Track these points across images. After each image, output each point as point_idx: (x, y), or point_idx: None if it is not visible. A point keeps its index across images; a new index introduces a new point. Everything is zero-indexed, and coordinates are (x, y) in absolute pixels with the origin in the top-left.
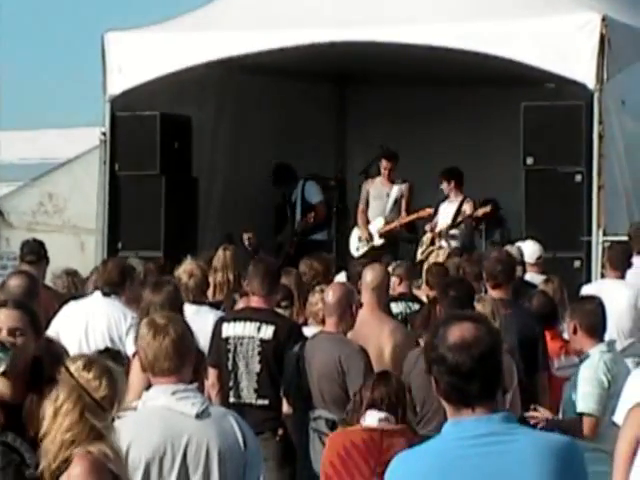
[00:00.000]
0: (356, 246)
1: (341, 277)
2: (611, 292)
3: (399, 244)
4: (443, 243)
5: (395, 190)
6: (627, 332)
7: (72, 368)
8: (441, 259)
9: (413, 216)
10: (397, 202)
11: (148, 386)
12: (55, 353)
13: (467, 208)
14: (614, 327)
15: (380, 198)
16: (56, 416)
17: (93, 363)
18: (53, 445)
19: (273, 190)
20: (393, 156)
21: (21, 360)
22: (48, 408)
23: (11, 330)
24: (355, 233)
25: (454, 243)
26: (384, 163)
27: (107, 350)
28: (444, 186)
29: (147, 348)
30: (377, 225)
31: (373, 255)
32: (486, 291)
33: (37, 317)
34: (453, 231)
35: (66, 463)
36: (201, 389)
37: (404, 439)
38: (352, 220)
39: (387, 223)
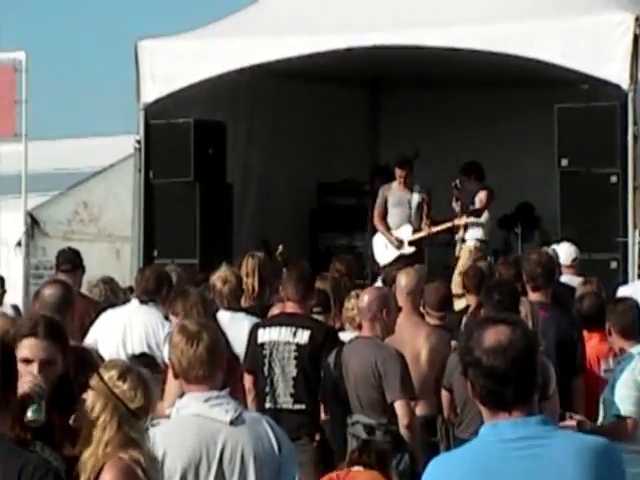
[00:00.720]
0: (382, 254)
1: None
2: None
3: (424, 250)
4: (466, 236)
5: (416, 197)
6: None
7: (106, 377)
8: (464, 254)
9: (442, 227)
10: (419, 208)
11: (182, 393)
12: (90, 363)
13: (481, 196)
14: None
15: (401, 205)
16: (94, 427)
17: (128, 373)
18: (93, 459)
19: (308, 195)
20: (406, 163)
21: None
22: (85, 419)
23: (42, 362)
24: (379, 240)
25: (476, 231)
26: (398, 171)
27: (143, 355)
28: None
29: (180, 356)
30: (406, 233)
31: (403, 262)
32: (525, 293)
33: (66, 338)
34: (472, 219)
35: (100, 471)
36: (235, 396)
37: (369, 477)
38: (369, 226)
39: (415, 231)
